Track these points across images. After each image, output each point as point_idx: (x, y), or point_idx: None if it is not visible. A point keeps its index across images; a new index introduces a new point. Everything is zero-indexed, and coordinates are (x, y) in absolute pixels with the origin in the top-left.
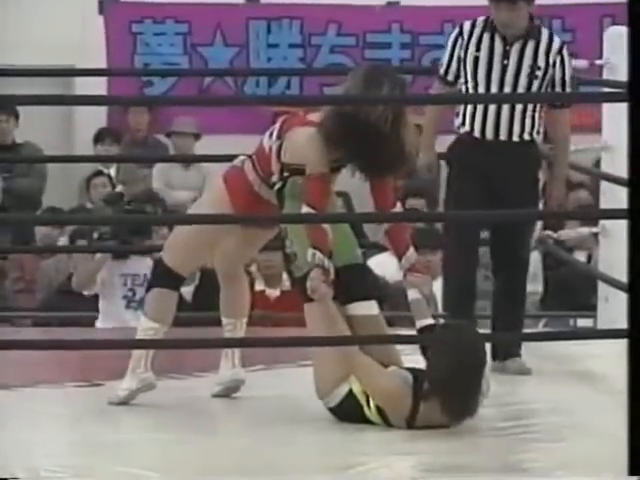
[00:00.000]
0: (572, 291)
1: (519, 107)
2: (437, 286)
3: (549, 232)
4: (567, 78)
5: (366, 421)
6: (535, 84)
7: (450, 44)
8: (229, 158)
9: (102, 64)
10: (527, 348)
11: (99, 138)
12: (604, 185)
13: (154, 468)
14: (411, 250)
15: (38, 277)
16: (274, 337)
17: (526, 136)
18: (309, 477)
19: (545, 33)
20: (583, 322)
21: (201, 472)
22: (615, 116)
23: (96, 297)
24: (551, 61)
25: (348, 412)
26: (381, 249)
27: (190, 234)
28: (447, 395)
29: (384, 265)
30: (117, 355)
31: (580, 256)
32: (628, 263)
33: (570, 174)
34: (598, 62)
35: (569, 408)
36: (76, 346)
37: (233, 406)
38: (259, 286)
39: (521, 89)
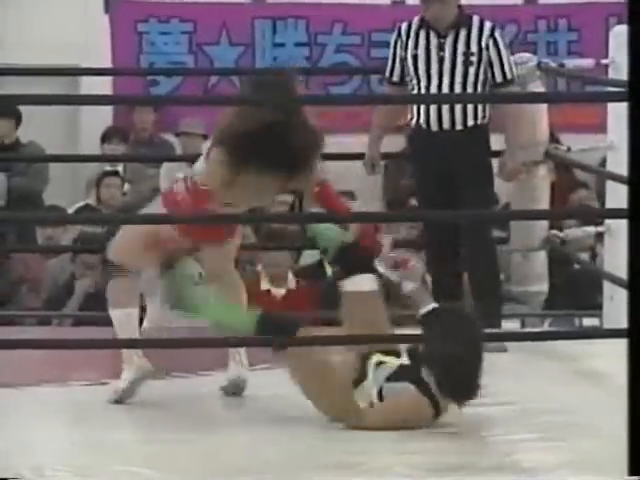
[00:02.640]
0: (578, 290)
1: (459, 94)
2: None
3: (555, 232)
4: (503, 57)
5: None
6: (471, 70)
7: (391, 46)
8: None
9: (107, 63)
10: (529, 347)
11: (106, 137)
12: (610, 185)
13: (155, 467)
14: (385, 248)
15: (43, 276)
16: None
17: (470, 122)
18: (309, 476)
19: (476, 20)
20: (589, 321)
21: (202, 471)
22: (621, 116)
23: (97, 295)
24: (484, 44)
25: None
26: None
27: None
28: (449, 376)
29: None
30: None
31: (584, 256)
32: (628, 262)
33: (575, 173)
34: (604, 61)
35: (572, 407)
36: (80, 345)
37: (234, 405)
38: (264, 285)
39: (458, 76)
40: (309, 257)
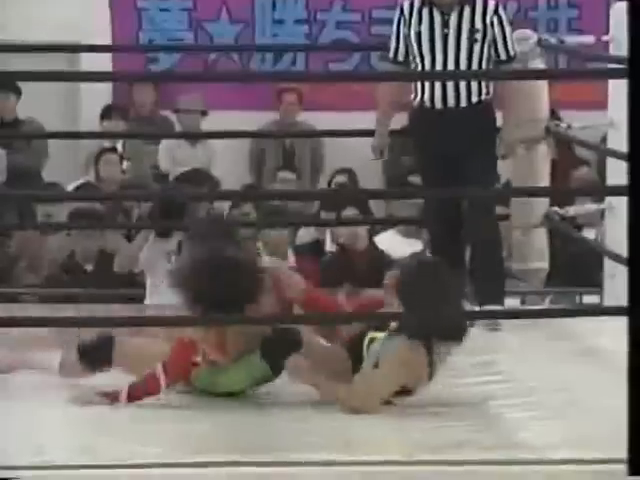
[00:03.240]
0: (579, 268)
1: (464, 70)
2: None
3: (556, 208)
4: (507, 35)
5: None
6: (476, 47)
7: (394, 25)
8: (234, 134)
9: (107, 40)
10: (529, 324)
11: (106, 114)
12: (611, 162)
13: (158, 444)
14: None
15: (43, 254)
16: (279, 314)
17: (474, 98)
18: (307, 455)
19: None
20: (589, 299)
21: (202, 450)
22: (622, 92)
23: (99, 274)
24: (488, 22)
25: None
26: (386, 226)
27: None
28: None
29: (389, 242)
30: (126, 332)
31: (589, 234)
32: (628, 240)
33: (575, 150)
34: (604, 38)
35: (573, 385)
36: (84, 323)
37: None
38: (265, 261)
39: (463, 53)
40: (306, 235)
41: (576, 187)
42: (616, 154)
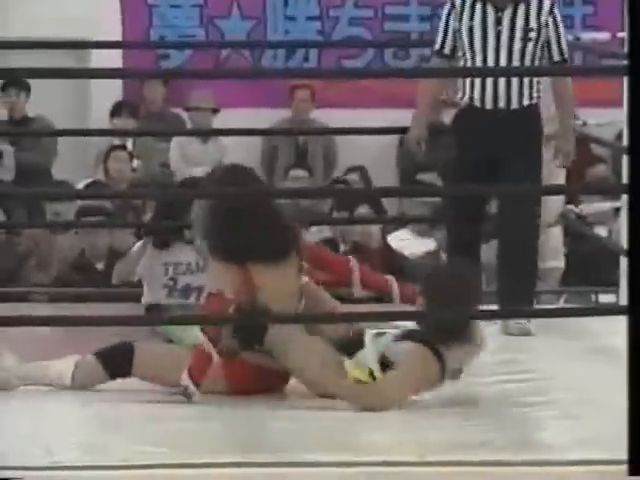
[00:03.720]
0: (594, 266)
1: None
2: None
3: (571, 206)
4: (561, 36)
5: None
6: (529, 46)
7: (444, 17)
8: (246, 132)
9: (117, 37)
10: (544, 324)
11: (115, 111)
12: (626, 159)
13: (168, 445)
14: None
15: (52, 253)
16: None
17: (525, 101)
18: (318, 456)
19: None
20: (605, 298)
21: (209, 450)
22: None
23: (110, 272)
24: (543, 21)
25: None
26: (400, 224)
27: None
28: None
29: (403, 241)
30: (132, 331)
31: (601, 232)
32: (628, 237)
33: (591, 148)
34: (620, 35)
35: (589, 385)
36: (91, 322)
37: None
38: None
39: (516, 53)
40: (318, 233)
41: (592, 185)
42: None
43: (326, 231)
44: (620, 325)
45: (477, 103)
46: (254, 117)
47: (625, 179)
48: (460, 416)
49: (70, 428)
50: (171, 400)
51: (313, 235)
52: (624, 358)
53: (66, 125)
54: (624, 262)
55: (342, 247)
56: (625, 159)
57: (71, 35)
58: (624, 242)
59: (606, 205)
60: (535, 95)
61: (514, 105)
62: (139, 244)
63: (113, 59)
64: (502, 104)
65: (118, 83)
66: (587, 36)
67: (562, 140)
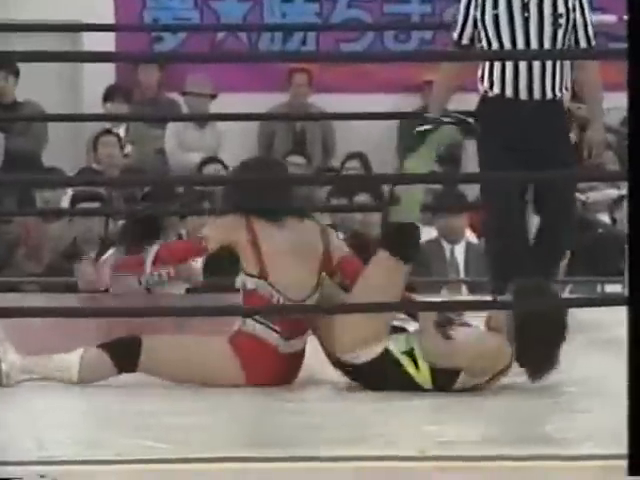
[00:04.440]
0: (600, 256)
1: (549, 62)
2: (459, 250)
3: (577, 194)
4: (588, 20)
5: (397, 384)
6: (560, 32)
7: (463, 6)
8: (242, 117)
9: (110, 19)
10: None
11: (108, 96)
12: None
13: (168, 440)
14: None
15: (44, 241)
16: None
17: (558, 92)
18: (328, 450)
19: None
20: (611, 288)
21: (212, 444)
22: None
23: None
24: (570, 5)
25: (379, 371)
26: None
27: None
28: (533, 352)
29: None
30: (126, 322)
31: (606, 220)
32: (628, 225)
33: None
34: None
35: (596, 377)
36: (84, 313)
37: None
38: None
39: (547, 40)
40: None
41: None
42: None
43: (324, 219)
44: (622, 316)
45: (509, 94)
46: (250, 102)
47: None
48: (462, 410)
49: (64, 422)
50: (173, 394)
51: None
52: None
53: (57, 110)
54: None
55: (341, 235)
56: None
57: (63, 18)
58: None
59: (613, 193)
60: (564, 87)
61: (549, 95)
62: (110, 253)
63: (106, 42)
64: (537, 95)
65: (111, 67)
66: (593, 18)
67: (593, 130)
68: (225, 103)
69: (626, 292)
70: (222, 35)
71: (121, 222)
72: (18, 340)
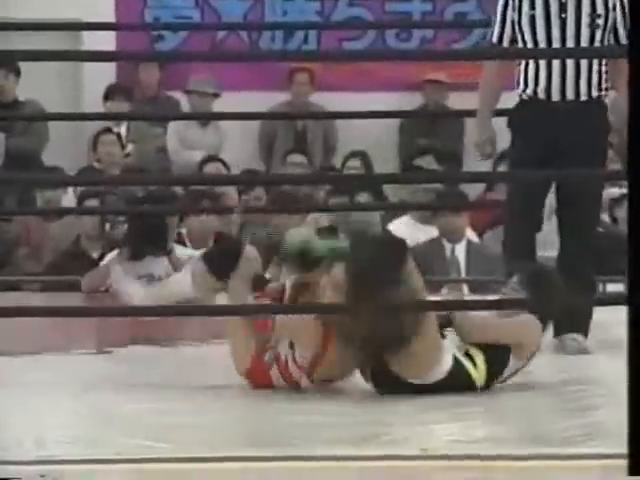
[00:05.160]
0: (601, 255)
1: (584, 61)
2: (460, 249)
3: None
4: (627, 19)
5: (469, 387)
6: (598, 33)
7: (500, 7)
8: (244, 116)
9: (111, 18)
10: None
11: (109, 95)
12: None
13: (166, 439)
14: None
15: (45, 241)
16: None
17: (594, 92)
18: (325, 449)
19: None
20: (613, 287)
21: (213, 444)
22: None
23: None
24: (610, 5)
25: (457, 378)
26: (401, 211)
27: None
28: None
29: (404, 228)
30: (126, 322)
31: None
32: (628, 223)
33: None
34: None
35: (599, 377)
36: (83, 313)
37: None
38: None
39: (584, 42)
40: (322, 220)
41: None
42: None
43: (325, 218)
44: (624, 316)
45: (541, 95)
46: (252, 101)
47: None
48: (464, 409)
49: (64, 421)
50: (169, 392)
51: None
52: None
53: (58, 109)
54: None
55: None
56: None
57: (63, 16)
58: None
59: (615, 191)
60: (604, 86)
61: (583, 97)
62: (112, 255)
63: (106, 41)
64: (570, 95)
65: (112, 66)
66: None
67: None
68: (226, 102)
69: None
70: (223, 34)
71: (124, 223)
72: (18, 339)
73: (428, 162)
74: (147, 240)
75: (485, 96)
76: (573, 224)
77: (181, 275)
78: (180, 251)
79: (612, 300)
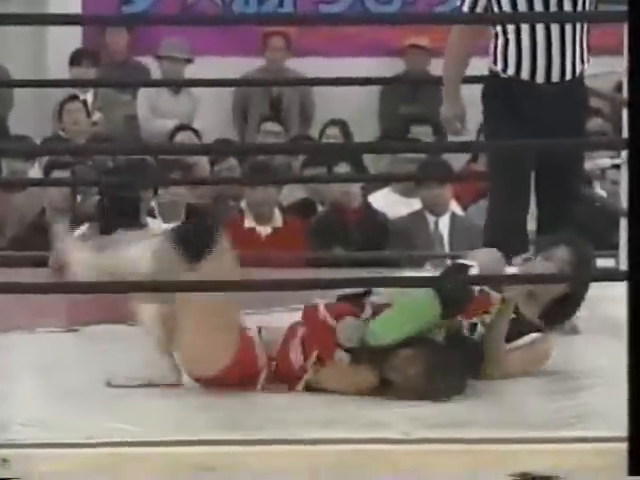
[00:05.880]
0: (592, 229)
1: (569, 35)
2: (444, 223)
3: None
4: None
5: None
6: (586, 2)
7: None
8: (216, 82)
9: None
10: None
11: (75, 60)
12: (626, 112)
13: (136, 422)
14: None
15: (8, 213)
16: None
17: (578, 69)
18: (302, 432)
19: None
20: (604, 262)
21: (187, 428)
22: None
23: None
24: None
25: None
26: (382, 183)
27: None
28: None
29: (385, 201)
30: (94, 299)
31: (598, 190)
32: (627, 196)
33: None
34: None
35: (590, 357)
36: (50, 289)
37: None
38: (249, 223)
39: (568, 7)
40: (296, 192)
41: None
42: None
43: (300, 190)
44: (616, 292)
45: (525, 76)
46: (225, 66)
47: (625, 133)
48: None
49: (29, 403)
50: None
51: (286, 196)
52: (623, 328)
53: (22, 75)
54: (624, 224)
55: (320, 208)
56: (625, 112)
57: None
58: (624, 202)
59: (606, 162)
60: (585, 60)
61: (568, 76)
62: (82, 229)
63: (72, 4)
64: (556, 77)
65: (77, 30)
66: None
67: None
68: (198, 68)
69: (620, 267)
70: None
71: (95, 196)
72: None
73: (426, 132)
74: (119, 213)
75: (451, 67)
76: (553, 197)
77: (138, 249)
78: (154, 224)
79: (609, 276)
